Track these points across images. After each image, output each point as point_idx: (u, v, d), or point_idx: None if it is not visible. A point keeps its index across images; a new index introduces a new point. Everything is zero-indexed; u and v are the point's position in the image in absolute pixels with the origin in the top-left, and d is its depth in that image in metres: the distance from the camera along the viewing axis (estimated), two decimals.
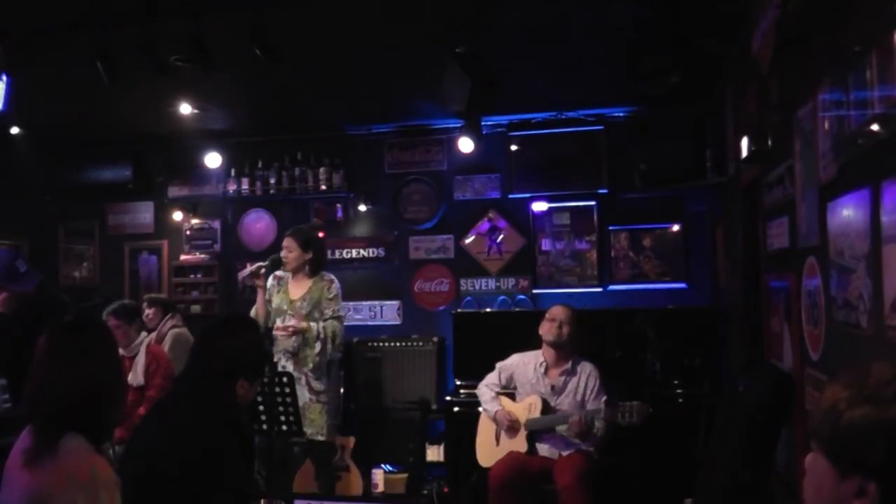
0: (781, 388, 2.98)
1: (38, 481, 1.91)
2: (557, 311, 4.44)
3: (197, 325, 4.76)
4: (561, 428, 4.25)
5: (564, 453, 4.23)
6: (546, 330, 4.40)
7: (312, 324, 4.56)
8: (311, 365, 4.55)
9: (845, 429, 1.20)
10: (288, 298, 4.69)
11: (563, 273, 6.19)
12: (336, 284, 4.73)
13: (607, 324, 5.36)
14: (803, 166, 2.75)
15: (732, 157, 4.50)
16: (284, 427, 4.05)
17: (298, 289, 4.70)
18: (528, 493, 4.19)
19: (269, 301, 4.75)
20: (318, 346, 4.54)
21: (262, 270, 4.69)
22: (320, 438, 4.59)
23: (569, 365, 4.37)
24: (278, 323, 4.60)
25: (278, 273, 4.82)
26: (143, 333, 5.04)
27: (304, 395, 4.49)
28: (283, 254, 4.70)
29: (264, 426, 3.86)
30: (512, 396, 4.50)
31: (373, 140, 6.53)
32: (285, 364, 4.54)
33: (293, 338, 4.55)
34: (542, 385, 4.37)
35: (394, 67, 4.83)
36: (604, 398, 4.22)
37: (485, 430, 4.53)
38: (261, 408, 3.83)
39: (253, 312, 4.70)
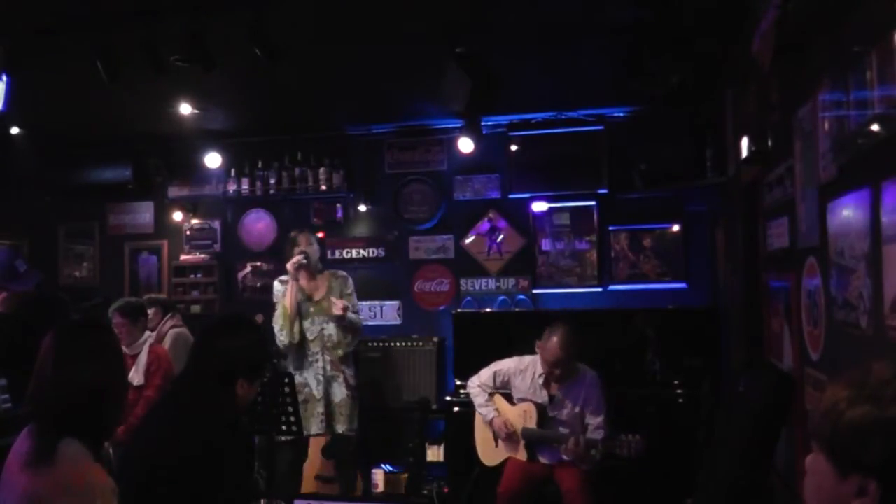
0: (781, 388, 2.98)
1: (35, 485, 1.91)
2: (556, 354, 4.10)
3: (197, 325, 4.76)
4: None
5: (566, 460, 4.18)
6: (541, 363, 4.22)
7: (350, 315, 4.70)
8: (342, 353, 4.68)
9: (846, 428, 1.20)
10: (306, 297, 4.75)
11: (563, 273, 6.18)
12: (350, 280, 4.90)
13: (607, 324, 5.35)
14: (803, 166, 2.75)
15: (732, 157, 4.50)
16: (284, 427, 4.04)
17: (314, 288, 4.78)
18: (533, 496, 4.19)
19: (277, 304, 4.79)
20: (349, 337, 4.72)
21: (305, 261, 4.72)
22: (350, 434, 4.69)
23: (569, 376, 4.26)
24: (307, 324, 4.72)
25: (281, 277, 4.89)
26: (147, 332, 5.04)
27: (342, 392, 4.67)
28: (303, 248, 4.74)
29: (264, 426, 3.86)
30: (507, 396, 4.45)
31: (373, 140, 6.53)
32: (325, 366, 4.64)
33: (331, 327, 4.67)
34: (540, 396, 4.28)
35: (394, 67, 4.83)
36: (602, 434, 4.08)
37: (482, 430, 4.51)
38: (260, 408, 3.85)
39: (281, 311, 4.70)
